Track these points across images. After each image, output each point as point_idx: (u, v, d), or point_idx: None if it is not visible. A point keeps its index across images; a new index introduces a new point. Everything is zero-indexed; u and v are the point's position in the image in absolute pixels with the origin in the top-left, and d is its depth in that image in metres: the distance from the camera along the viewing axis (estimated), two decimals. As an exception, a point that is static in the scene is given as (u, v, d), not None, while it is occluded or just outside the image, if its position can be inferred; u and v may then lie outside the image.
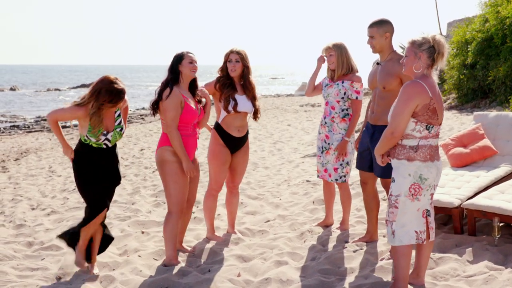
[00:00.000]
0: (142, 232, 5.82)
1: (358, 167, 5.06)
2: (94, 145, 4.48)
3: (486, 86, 15.64)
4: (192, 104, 4.75)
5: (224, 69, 5.20)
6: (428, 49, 3.71)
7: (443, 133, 11.14)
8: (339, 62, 5.33)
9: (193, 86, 4.87)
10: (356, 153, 5.33)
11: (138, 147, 13.36)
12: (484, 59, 15.77)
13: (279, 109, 24.22)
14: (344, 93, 5.33)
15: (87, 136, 4.43)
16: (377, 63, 4.81)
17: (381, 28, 4.68)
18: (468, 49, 16.38)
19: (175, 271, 4.62)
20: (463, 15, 20.54)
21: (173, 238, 4.77)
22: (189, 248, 5.13)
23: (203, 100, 4.93)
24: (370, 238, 5.09)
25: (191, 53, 4.79)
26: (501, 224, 4.97)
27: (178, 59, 4.74)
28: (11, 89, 53.18)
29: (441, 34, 26.12)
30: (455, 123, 12.73)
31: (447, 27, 26.44)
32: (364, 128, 5.06)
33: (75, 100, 4.48)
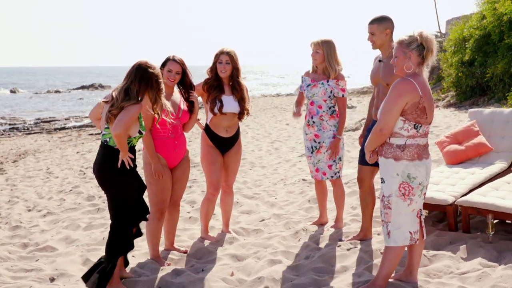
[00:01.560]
0: (137, 233, 5.81)
1: (361, 162, 5.03)
2: (135, 141, 4.20)
3: (484, 84, 15.62)
4: (170, 106, 4.73)
5: (213, 70, 5.20)
6: (417, 48, 3.69)
7: (440, 130, 11.14)
8: (329, 62, 5.28)
9: (186, 87, 4.88)
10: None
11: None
12: (482, 56, 15.75)
13: (278, 108, 24.21)
14: (331, 92, 5.33)
15: (139, 132, 4.13)
16: (379, 60, 4.82)
17: (381, 25, 4.72)
18: (466, 46, 16.36)
19: (168, 270, 4.62)
20: (461, 13, 20.52)
21: (153, 237, 4.82)
22: (182, 249, 5.13)
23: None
24: (364, 236, 5.07)
25: (176, 60, 4.78)
26: (495, 221, 4.95)
27: (163, 63, 4.80)
28: (11, 91, 53.22)
29: (440, 32, 26.13)
30: (453, 121, 12.72)
31: (446, 25, 26.44)
32: (369, 125, 5.07)
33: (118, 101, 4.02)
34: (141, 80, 4.07)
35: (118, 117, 3.98)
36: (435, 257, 4.46)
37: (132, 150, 4.20)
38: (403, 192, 3.73)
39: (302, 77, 5.60)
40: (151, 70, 4.12)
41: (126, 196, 4.18)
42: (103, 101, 4.16)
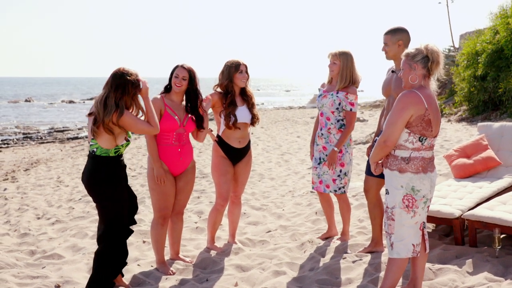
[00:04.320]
0: (144, 242, 5.84)
1: (368, 173, 5.02)
2: (122, 150, 4.24)
3: (496, 98, 15.52)
4: (176, 114, 4.80)
5: (232, 81, 5.21)
6: (422, 60, 3.70)
7: (451, 144, 11.07)
8: (342, 74, 5.25)
9: (193, 98, 4.91)
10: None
11: (147, 157, 13.44)
12: (494, 71, 15.66)
13: (289, 121, 24.21)
14: (339, 104, 5.28)
15: (126, 139, 4.20)
16: (392, 71, 4.83)
17: (394, 36, 4.74)
18: (479, 61, 16.29)
19: (172, 280, 4.63)
20: (475, 28, 20.43)
21: (157, 242, 4.86)
22: (187, 259, 5.14)
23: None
24: (374, 246, 5.05)
25: (184, 67, 4.83)
26: (502, 236, 4.91)
27: (172, 70, 4.89)
28: (26, 100, 53.83)
29: (453, 46, 26.07)
30: (464, 135, 12.64)
31: (459, 39, 26.38)
32: (376, 137, 5.06)
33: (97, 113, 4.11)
34: (117, 88, 4.12)
35: (144, 134, 4.17)
36: (440, 271, 4.43)
37: (119, 161, 4.24)
38: (406, 204, 3.72)
39: (318, 89, 5.61)
40: (127, 77, 4.16)
41: (117, 205, 4.22)
42: (87, 115, 4.23)
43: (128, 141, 4.24)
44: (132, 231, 4.50)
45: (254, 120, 5.31)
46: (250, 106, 5.27)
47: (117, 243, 4.29)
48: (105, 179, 4.18)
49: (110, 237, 4.26)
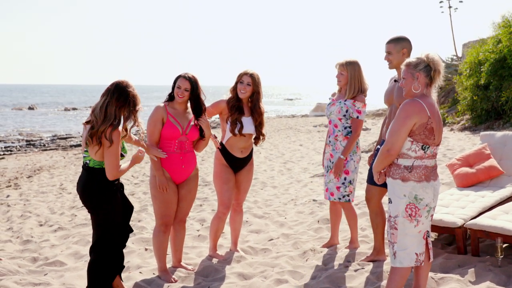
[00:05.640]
0: (146, 249, 5.84)
1: (369, 182, 5.02)
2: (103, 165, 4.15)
3: (499, 107, 15.52)
4: (179, 123, 4.81)
5: (234, 89, 5.25)
6: (425, 68, 3.72)
7: (453, 153, 11.06)
8: (351, 84, 5.26)
9: (196, 107, 4.92)
10: (364, 171, 5.30)
11: (149, 165, 13.45)
12: (497, 80, 15.67)
13: (292, 129, 24.23)
14: (346, 111, 5.29)
15: (121, 155, 4.16)
16: (395, 80, 4.84)
17: (398, 45, 4.76)
18: (481, 70, 16.30)
19: (175, 288, 4.63)
20: (478, 37, 20.45)
21: (159, 250, 4.87)
22: (189, 267, 5.13)
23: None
24: (377, 255, 5.04)
25: (186, 77, 4.82)
26: (504, 245, 4.90)
27: (175, 80, 4.88)
28: (30, 108, 53.95)
29: (456, 55, 26.08)
30: (467, 144, 12.63)
31: (462, 48, 26.40)
32: (378, 146, 5.06)
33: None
34: (119, 98, 4.10)
35: (106, 163, 4.05)
36: (443, 280, 4.42)
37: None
38: (409, 213, 3.71)
39: (329, 98, 5.60)
40: (129, 89, 4.15)
41: (111, 217, 4.21)
42: (84, 123, 4.19)
43: (122, 156, 4.21)
44: (125, 243, 4.46)
45: (257, 137, 5.29)
46: (257, 123, 5.25)
47: (110, 253, 4.27)
48: (98, 190, 4.15)
49: (102, 247, 4.25)
